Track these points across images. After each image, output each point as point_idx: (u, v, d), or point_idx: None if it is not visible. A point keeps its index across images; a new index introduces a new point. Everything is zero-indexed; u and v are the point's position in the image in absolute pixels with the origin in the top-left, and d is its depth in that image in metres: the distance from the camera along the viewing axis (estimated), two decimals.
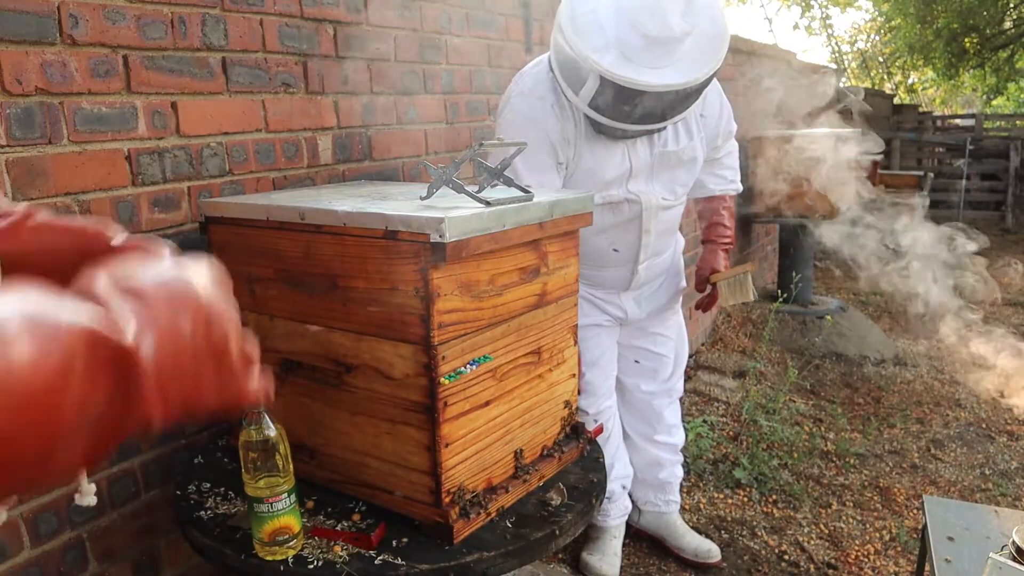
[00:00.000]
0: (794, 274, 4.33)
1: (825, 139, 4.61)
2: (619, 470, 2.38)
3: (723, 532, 2.61)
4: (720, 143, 2.19)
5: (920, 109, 13.20)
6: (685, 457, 2.73)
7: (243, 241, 1.44)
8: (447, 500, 1.26)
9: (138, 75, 1.54)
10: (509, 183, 1.42)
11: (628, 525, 2.51)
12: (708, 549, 2.45)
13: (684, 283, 2.38)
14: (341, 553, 1.22)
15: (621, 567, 2.41)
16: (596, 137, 1.89)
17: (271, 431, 1.18)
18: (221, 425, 1.75)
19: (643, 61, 1.66)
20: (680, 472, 2.51)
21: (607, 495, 2.35)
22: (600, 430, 1.68)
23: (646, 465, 2.46)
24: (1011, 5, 12.97)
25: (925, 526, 1.69)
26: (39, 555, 1.43)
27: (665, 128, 1.94)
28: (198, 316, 0.47)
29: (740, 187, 2.31)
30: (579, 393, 2.15)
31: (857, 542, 2.58)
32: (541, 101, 1.86)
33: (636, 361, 2.39)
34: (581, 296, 2.15)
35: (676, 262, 2.33)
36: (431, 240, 1.15)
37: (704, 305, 2.29)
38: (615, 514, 2.43)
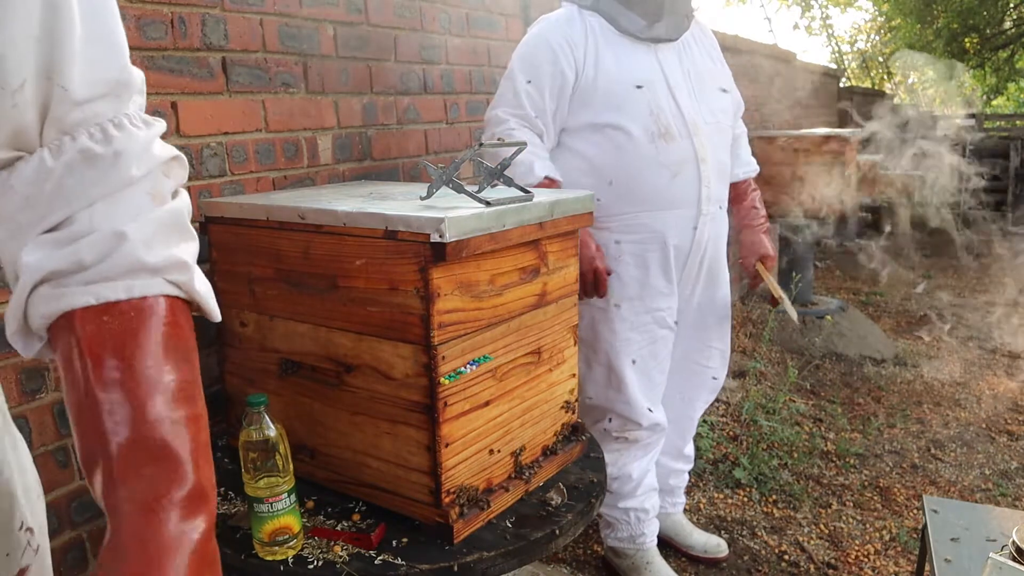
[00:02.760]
0: (794, 274, 4.33)
1: (825, 139, 4.62)
2: (652, 482, 2.26)
3: (723, 532, 2.61)
4: (735, 111, 2.18)
5: (920, 109, 13.19)
6: None
7: (243, 241, 1.44)
8: (447, 500, 1.26)
9: None
10: (509, 183, 1.42)
11: None
12: (717, 544, 2.46)
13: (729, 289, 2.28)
14: (341, 553, 1.22)
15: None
16: (618, 40, 1.91)
17: (271, 431, 1.18)
18: (221, 425, 1.75)
19: None
20: (687, 475, 2.52)
21: (646, 510, 2.21)
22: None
23: (664, 473, 2.43)
24: (1011, 5, 12.97)
25: (925, 526, 1.69)
26: None
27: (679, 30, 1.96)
28: None
29: (757, 167, 2.29)
30: (615, 401, 2.04)
31: (857, 542, 2.58)
32: (555, 21, 1.95)
33: (692, 374, 2.26)
34: (631, 292, 1.99)
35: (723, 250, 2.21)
36: (431, 240, 1.15)
37: (753, 285, 2.26)
38: (653, 530, 2.29)
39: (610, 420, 2.11)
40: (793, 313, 2.33)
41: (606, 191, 1.91)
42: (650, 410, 2.09)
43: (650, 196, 1.92)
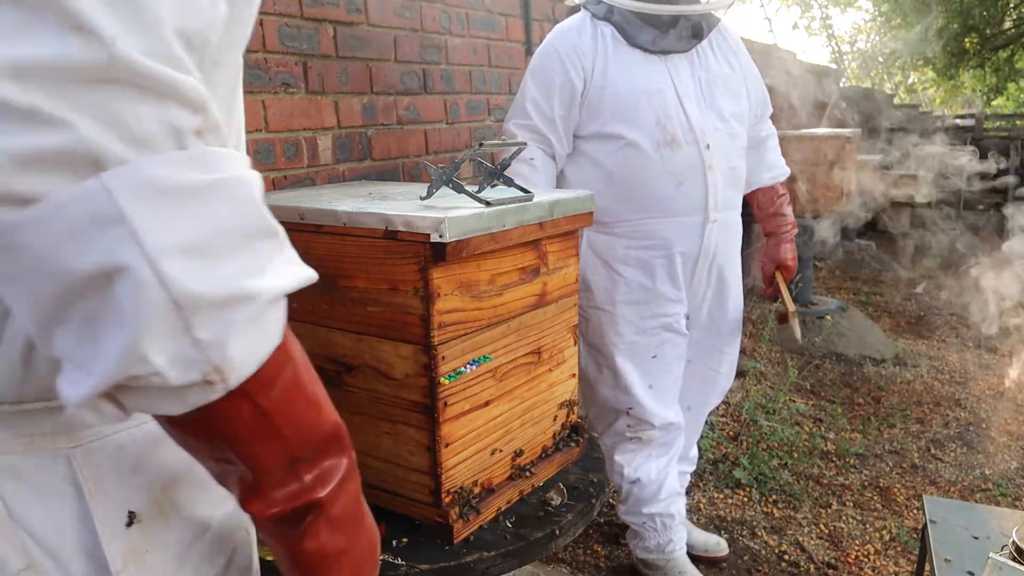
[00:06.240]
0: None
1: (825, 139, 4.62)
2: (674, 486, 2.23)
3: (723, 532, 2.61)
4: (760, 112, 2.17)
5: (920, 109, 13.19)
6: None
7: None
8: (447, 500, 1.26)
9: None
10: (509, 183, 1.42)
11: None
12: (717, 543, 2.46)
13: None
14: None
15: (623, 564, 2.41)
16: (628, 51, 1.90)
17: None
18: None
19: None
20: (689, 476, 2.52)
21: (672, 515, 2.19)
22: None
23: None
24: (1011, 5, 12.96)
25: (925, 526, 1.69)
26: None
27: (694, 43, 1.95)
28: None
29: (788, 170, 2.27)
30: (633, 409, 2.05)
31: (857, 542, 2.58)
32: (566, 30, 1.95)
33: (704, 379, 2.26)
34: (637, 296, 1.99)
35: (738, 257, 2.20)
36: (431, 240, 1.15)
37: (768, 293, 2.33)
38: (682, 537, 2.26)
39: (623, 420, 2.11)
40: (797, 332, 2.34)
41: (615, 197, 1.92)
42: (661, 411, 2.09)
43: (656, 203, 1.93)
